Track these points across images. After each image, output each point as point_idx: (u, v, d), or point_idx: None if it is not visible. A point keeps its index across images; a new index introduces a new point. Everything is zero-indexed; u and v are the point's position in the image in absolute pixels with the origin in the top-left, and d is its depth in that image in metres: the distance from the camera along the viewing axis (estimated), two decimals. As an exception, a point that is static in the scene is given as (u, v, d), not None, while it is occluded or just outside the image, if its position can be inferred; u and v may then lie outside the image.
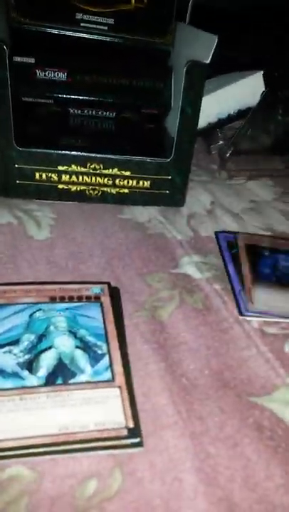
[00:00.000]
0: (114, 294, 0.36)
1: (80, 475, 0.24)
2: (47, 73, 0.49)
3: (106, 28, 0.49)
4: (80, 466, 0.25)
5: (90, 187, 0.49)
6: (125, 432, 0.26)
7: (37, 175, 0.47)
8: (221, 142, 0.60)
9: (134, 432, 0.26)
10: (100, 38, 0.49)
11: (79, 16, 0.48)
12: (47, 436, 0.25)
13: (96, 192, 0.49)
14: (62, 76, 0.49)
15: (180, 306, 0.37)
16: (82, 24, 0.48)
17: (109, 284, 0.37)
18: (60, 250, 0.42)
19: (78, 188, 0.49)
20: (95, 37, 0.49)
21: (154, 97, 0.53)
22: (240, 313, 0.37)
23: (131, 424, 0.26)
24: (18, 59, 0.47)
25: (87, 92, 0.51)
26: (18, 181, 0.47)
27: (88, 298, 0.35)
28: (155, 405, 0.28)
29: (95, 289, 0.35)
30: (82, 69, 0.50)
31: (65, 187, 0.48)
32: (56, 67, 0.49)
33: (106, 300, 0.35)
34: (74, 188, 0.49)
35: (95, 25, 0.48)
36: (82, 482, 0.24)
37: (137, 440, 0.26)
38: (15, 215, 0.46)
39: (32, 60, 0.48)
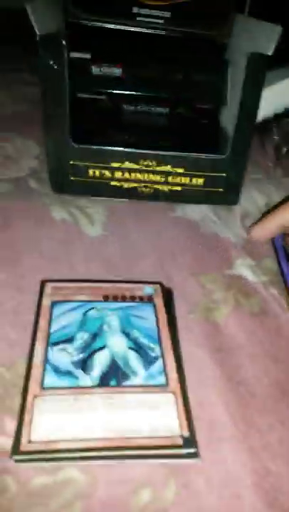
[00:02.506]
0: (167, 294, 0.35)
1: (133, 482, 0.23)
2: (102, 69, 0.48)
3: (162, 21, 0.47)
4: (133, 473, 0.24)
5: (143, 184, 0.48)
6: (180, 441, 0.25)
7: (90, 172, 0.47)
8: (276, 138, 0.57)
9: (190, 441, 0.25)
10: (155, 32, 0.48)
11: (136, 10, 0.47)
12: (101, 440, 0.25)
13: (148, 189, 0.48)
14: (117, 71, 0.49)
15: (235, 309, 0.36)
16: (138, 18, 0.47)
17: (162, 284, 0.36)
18: (113, 248, 0.41)
19: (130, 185, 0.48)
20: (150, 31, 0.48)
21: (208, 91, 0.51)
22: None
23: (186, 433, 0.25)
24: (75, 55, 0.47)
25: (141, 87, 0.50)
26: (72, 178, 0.47)
27: (141, 298, 0.34)
28: (210, 415, 0.27)
29: (148, 289, 0.35)
30: (137, 64, 0.49)
31: (118, 184, 0.48)
32: (111, 62, 0.48)
33: (159, 301, 0.34)
34: (126, 185, 0.48)
35: (151, 19, 0.47)
36: (136, 490, 0.23)
37: (192, 450, 0.25)
38: (69, 211, 0.46)
39: (88, 56, 0.47)
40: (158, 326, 0.31)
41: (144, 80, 0.50)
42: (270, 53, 0.41)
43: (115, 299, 0.33)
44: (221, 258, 0.42)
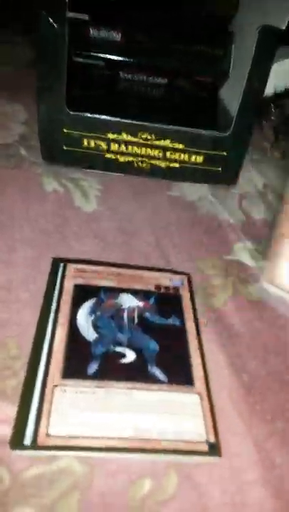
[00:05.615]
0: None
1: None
2: (101, 32, 0.45)
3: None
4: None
5: (139, 158, 0.45)
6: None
7: (85, 142, 0.44)
8: (274, 118, 0.56)
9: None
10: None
11: None
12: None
13: (145, 164, 0.46)
14: (116, 36, 0.45)
15: (234, 297, 0.35)
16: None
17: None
18: (108, 225, 0.39)
19: (127, 159, 0.45)
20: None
21: (211, 63, 0.49)
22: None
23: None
24: (71, 15, 0.43)
25: (139, 54, 0.47)
26: (65, 147, 0.44)
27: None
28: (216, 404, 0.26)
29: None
30: (137, 30, 0.46)
31: (113, 157, 0.45)
32: (110, 26, 0.45)
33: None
34: (122, 159, 0.45)
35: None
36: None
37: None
38: (61, 183, 0.43)
39: (86, 17, 0.43)
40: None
41: (144, 47, 0.47)
42: (283, 27, 0.39)
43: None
44: (219, 242, 0.40)
